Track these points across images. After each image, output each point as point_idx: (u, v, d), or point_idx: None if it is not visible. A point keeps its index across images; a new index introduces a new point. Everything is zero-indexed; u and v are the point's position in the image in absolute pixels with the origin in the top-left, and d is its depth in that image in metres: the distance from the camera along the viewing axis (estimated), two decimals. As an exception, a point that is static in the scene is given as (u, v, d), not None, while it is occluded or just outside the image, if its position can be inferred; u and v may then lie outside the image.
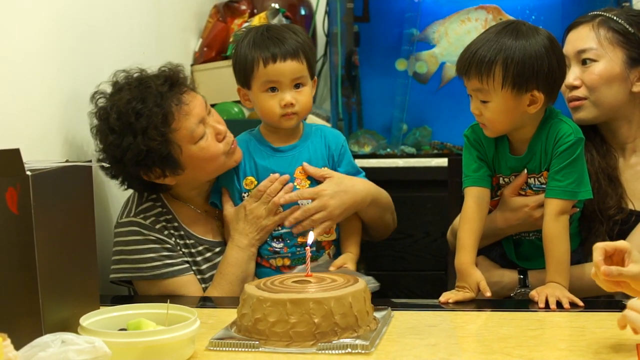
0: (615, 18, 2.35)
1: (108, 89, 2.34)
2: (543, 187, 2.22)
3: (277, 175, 2.39)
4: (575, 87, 2.37)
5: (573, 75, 2.37)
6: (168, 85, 2.29)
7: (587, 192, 2.19)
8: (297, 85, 2.38)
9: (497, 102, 2.12)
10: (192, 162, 2.32)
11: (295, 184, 2.40)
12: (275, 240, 2.40)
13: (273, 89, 2.37)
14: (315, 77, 2.47)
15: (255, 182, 2.41)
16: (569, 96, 2.39)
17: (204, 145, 2.31)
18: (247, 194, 2.41)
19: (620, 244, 1.77)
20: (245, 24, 3.55)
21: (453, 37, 3.11)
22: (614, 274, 1.71)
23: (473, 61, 2.12)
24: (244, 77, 2.40)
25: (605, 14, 2.38)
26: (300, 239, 2.38)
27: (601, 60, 2.34)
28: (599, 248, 1.75)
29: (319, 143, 2.47)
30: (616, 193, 2.35)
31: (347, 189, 2.41)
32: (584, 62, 2.36)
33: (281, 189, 2.38)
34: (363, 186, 2.46)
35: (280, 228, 2.40)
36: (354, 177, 2.46)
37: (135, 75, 2.34)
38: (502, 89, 2.11)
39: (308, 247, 2.01)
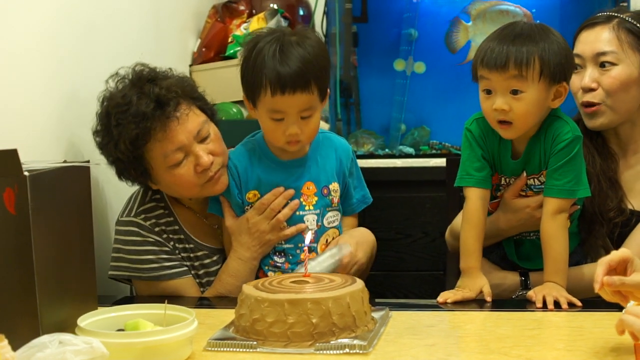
0: (631, 20, 2.33)
1: (129, 75, 2.30)
2: (543, 186, 2.21)
3: (281, 189, 2.30)
4: (591, 90, 2.34)
5: (590, 77, 2.33)
6: (154, 105, 2.20)
7: (585, 190, 2.17)
8: (304, 115, 2.24)
9: (532, 93, 2.09)
10: (164, 182, 2.29)
11: (302, 200, 2.31)
12: (277, 254, 2.34)
13: (279, 118, 2.23)
14: (328, 90, 2.31)
15: (259, 195, 2.33)
16: (584, 100, 2.36)
17: (176, 173, 2.25)
18: (249, 206, 2.34)
19: (624, 253, 1.75)
20: (244, 25, 3.55)
21: (489, 21, 3.09)
22: (617, 283, 1.70)
23: (511, 53, 2.08)
24: (250, 94, 2.26)
25: (620, 15, 2.35)
26: (302, 257, 2.29)
27: (620, 64, 2.31)
28: (604, 263, 1.73)
29: (329, 156, 2.38)
30: (616, 195, 2.35)
31: (364, 239, 2.38)
32: (602, 65, 2.33)
33: (286, 204, 2.30)
34: (370, 235, 2.44)
35: (283, 243, 2.32)
36: (356, 228, 2.45)
37: (145, 73, 2.28)
38: (540, 79, 2.09)
39: (306, 248, 2.01)
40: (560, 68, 2.10)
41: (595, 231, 2.33)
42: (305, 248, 2.00)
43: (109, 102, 2.24)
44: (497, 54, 2.10)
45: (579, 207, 2.27)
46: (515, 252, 2.35)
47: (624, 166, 2.40)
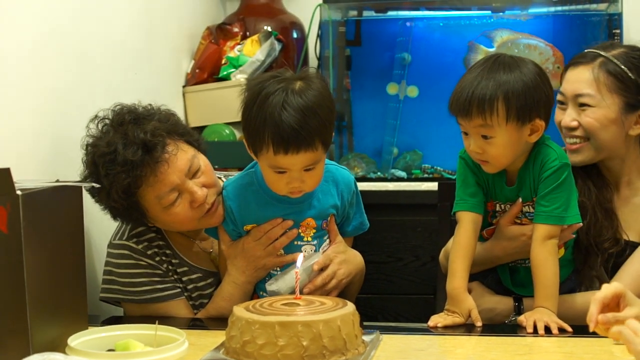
0: (615, 61, 2.33)
1: (109, 115, 2.26)
2: None
3: (279, 220, 2.26)
4: (573, 129, 2.36)
5: (570, 117, 2.35)
6: (141, 151, 2.16)
7: (574, 217, 2.18)
8: (308, 168, 2.15)
9: (501, 136, 2.11)
10: (161, 221, 2.28)
11: (300, 231, 2.28)
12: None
13: (281, 172, 2.15)
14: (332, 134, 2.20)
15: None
16: (569, 139, 2.38)
17: (172, 212, 2.22)
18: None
19: (616, 289, 1.75)
20: (238, 47, 3.56)
21: (514, 52, 3.06)
22: (611, 321, 1.70)
23: (473, 100, 2.10)
24: (251, 145, 2.16)
25: (605, 54, 2.35)
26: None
27: (598, 106, 2.33)
28: (598, 301, 1.73)
29: (331, 192, 2.31)
30: (612, 226, 2.35)
31: (351, 259, 2.34)
32: (580, 105, 2.35)
33: (283, 233, 2.26)
34: (360, 259, 2.40)
35: (278, 269, 2.30)
36: (351, 248, 2.39)
37: (126, 115, 2.23)
38: (507, 123, 2.10)
39: (297, 271, 2.00)
40: (527, 109, 2.11)
41: (590, 261, 2.34)
42: (296, 271, 2.00)
43: (94, 149, 2.20)
44: (462, 102, 2.12)
45: (574, 236, 2.28)
46: (510, 279, 2.35)
47: (617, 199, 2.41)
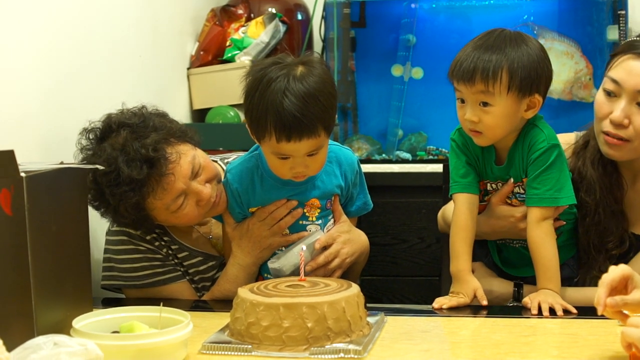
0: None
1: (99, 127, 2.22)
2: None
3: (284, 200, 2.26)
4: (621, 126, 2.15)
5: (623, 112, 2.14)
6: (146, 168, 2.13)
7: (568, 198, 2.16)
8: (311, 154, 2.15)
9: (501, 106, 2.10)
10: (168, 222, 2.28)
11: (305, 211, 2.28)
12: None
13: (284, 157, 2.14)
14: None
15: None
16: (613, 133, 2.17)
17: (180, 215, 2.22)
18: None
19: (624, 271, 1.74)
20: (242, 29, 3.55)
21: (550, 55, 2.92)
22: (620, 304, 1.69)
23: (478, 66, 2.09)
24: (254, 132, 2.15)
25: None
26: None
27: None
28: (606, 284, 1.72)
29: (334, 173, 2.31)
30: (617, 227, 2.28)
31: (355, 238, 2.34)
32: (639, 103, 2.14)
33: (288, 213, 2.26)
34: (364, 239, 2.40)
35: (283, 249, 2.29)
36: (356, 228, 2.39)
37: (124, 133, 2.17)
38: (509, 92, 2.09)
39: (302, 252, 2.00)
40: (529, 81, 2.10)
41: (590, 262, 2.29)
42: (301, 253, 2.00)
43: (94, 171, 2.13)
44: (465, 67, 2.11)
45: (564, 223, 2.26)
46: (498, 257, 2.35)
47: (631, 190, 2.31)
